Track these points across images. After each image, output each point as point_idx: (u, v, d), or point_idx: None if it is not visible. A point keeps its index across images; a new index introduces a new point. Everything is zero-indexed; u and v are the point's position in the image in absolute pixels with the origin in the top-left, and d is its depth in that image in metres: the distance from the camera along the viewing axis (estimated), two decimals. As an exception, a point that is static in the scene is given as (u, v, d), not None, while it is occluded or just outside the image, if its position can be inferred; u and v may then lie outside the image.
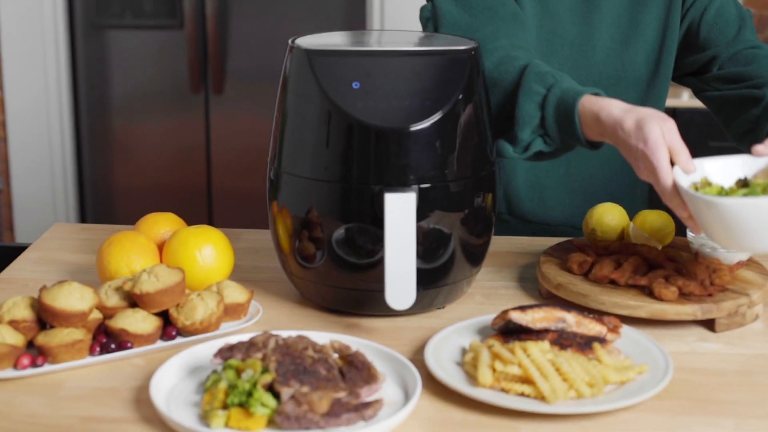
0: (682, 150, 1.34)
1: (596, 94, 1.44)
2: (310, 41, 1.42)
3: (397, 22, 3.75)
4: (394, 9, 3.75)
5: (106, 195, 4.09)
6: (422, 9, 1.66)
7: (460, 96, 1.36)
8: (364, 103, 1.34)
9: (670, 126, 1.35)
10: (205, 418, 1.12)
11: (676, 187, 1.30)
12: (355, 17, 3.86)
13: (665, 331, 1.38)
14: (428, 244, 1.37)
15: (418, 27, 4.02)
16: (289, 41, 1.42)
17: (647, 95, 1.79)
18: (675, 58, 1.78)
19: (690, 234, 1.53)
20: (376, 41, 1.54)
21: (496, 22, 1.60)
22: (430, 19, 1.65)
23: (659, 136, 1.33)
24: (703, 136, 3.14)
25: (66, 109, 3.91)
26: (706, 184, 1.34)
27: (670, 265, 1.45)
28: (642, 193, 1.89)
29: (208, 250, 1.46)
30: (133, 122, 3.99)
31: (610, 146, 1.43)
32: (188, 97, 3.93)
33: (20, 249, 1.72)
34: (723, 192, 1.32)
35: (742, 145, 1.68)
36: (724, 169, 1.38)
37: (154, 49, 3.91)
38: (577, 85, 1.46)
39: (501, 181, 1.82)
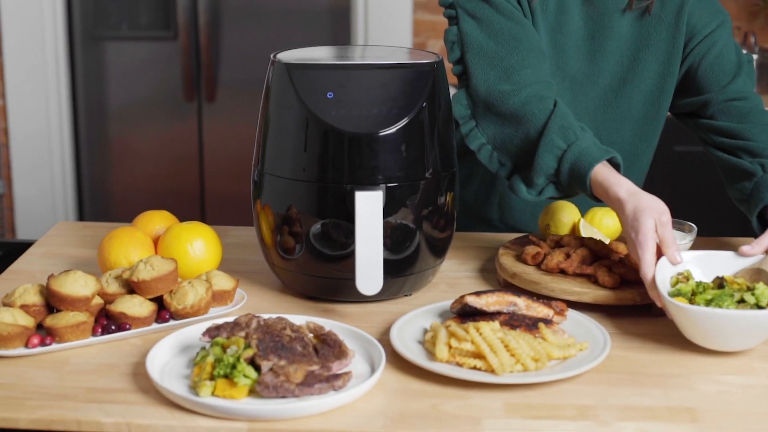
0: (671, 244, 1.41)
1: (612, 159, 1.48)
2: (290, 55, 1.50)
3: (379, 33, 3.76)
4: (377, 21, 3.76)
5: (104, 199, 4.08)
6: (447, 32, 1.67)
7: (424, 104, 1.45)
8: (337, 111, 1.42)
9: (665, 220, 1.40)
10: (194, 388, 1.20)
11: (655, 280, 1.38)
12: (340, 30, 3.86)
13: (607, 314, 1.47)
14: (395, 237, 1.46)
15: (398, 39, 4.04)
16: (271, 56, 1.50)
17: (643, 133, 1.80)
18: (672, 98, 1.78)
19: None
20: (350, 56, 1.62)
21: (522, 52, 1.61)
22: (456, 43, 1.65)
23: (650, 229, 1.39)
24: (668, 141, 3.00)
25: (65, 117, 3.90)
26: (686, 278, 1.41)
27: (615, 255, 1.55)
28: None
29: (198, 243, 1.55)
30: (129, 129, 3.98)
31: None
32: (182, 104, 3.93)
33: (27, 245, 1.79)
34: (698, 289, 1.38)
35: (741, 208, 1.69)
36: (710, 261, 1.46)
37: (149, 59, 3.90)
38: (596, 147, 1.50)
39: (497, 191, 1.87)
